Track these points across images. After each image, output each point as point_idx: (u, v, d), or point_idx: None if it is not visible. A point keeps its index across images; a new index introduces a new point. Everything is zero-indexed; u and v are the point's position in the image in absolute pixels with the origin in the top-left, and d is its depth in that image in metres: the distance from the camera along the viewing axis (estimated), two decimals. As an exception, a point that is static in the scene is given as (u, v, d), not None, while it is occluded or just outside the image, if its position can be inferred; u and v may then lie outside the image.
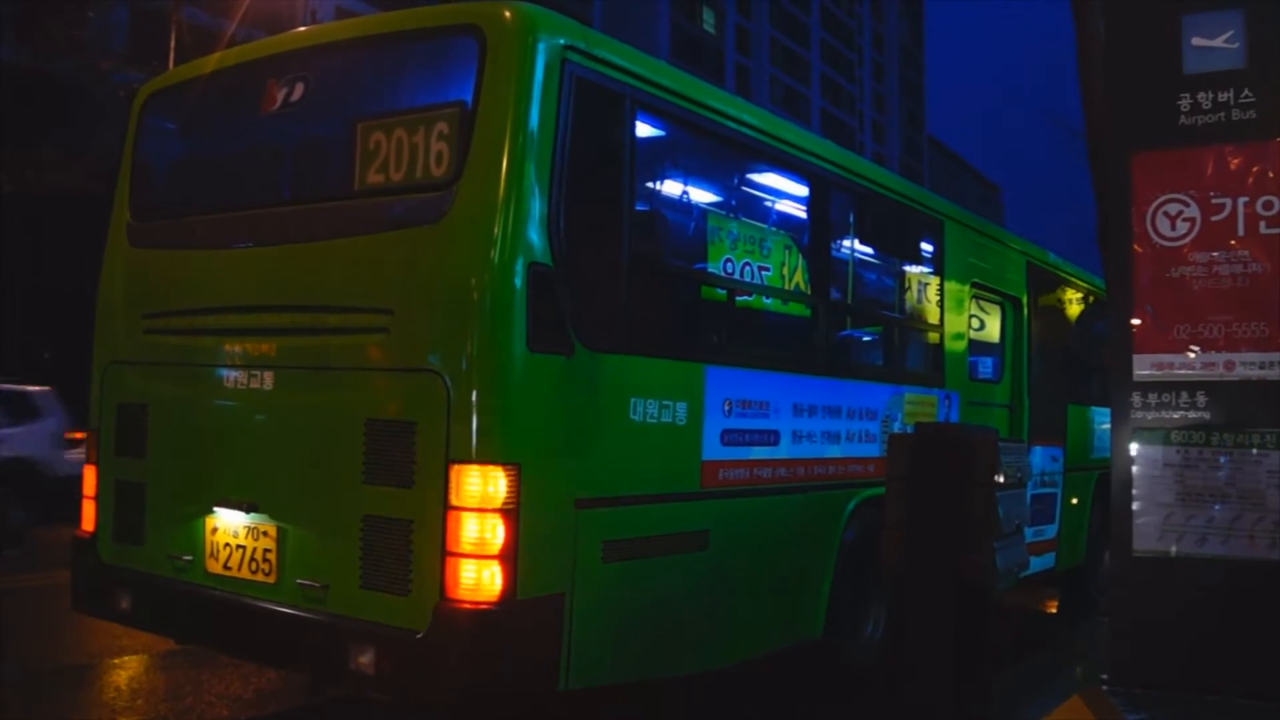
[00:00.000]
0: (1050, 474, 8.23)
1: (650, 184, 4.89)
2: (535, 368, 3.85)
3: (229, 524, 4.40)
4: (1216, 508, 4.66)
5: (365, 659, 3.85)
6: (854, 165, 6.15)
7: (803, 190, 5.80)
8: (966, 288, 7.17)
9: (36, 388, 12.47)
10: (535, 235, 3.85)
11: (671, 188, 5.04)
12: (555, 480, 3.91)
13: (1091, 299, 9.61)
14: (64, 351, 20.05)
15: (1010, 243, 8.18)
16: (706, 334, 5.13)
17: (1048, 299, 8.76)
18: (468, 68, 3.97)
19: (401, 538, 3.85)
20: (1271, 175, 4.65)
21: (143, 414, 4.84)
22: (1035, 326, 8.20)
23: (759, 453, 5.02)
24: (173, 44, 19.95)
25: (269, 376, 4.34)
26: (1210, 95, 4.75)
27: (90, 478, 5.03)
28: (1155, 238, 4.82)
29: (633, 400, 4.26)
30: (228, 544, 4.40)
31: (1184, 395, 4.73)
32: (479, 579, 3.68)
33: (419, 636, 3.74)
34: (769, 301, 5.67)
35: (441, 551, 3.72)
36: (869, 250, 6.55)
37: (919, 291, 6.75)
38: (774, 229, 5.68)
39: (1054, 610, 9.43)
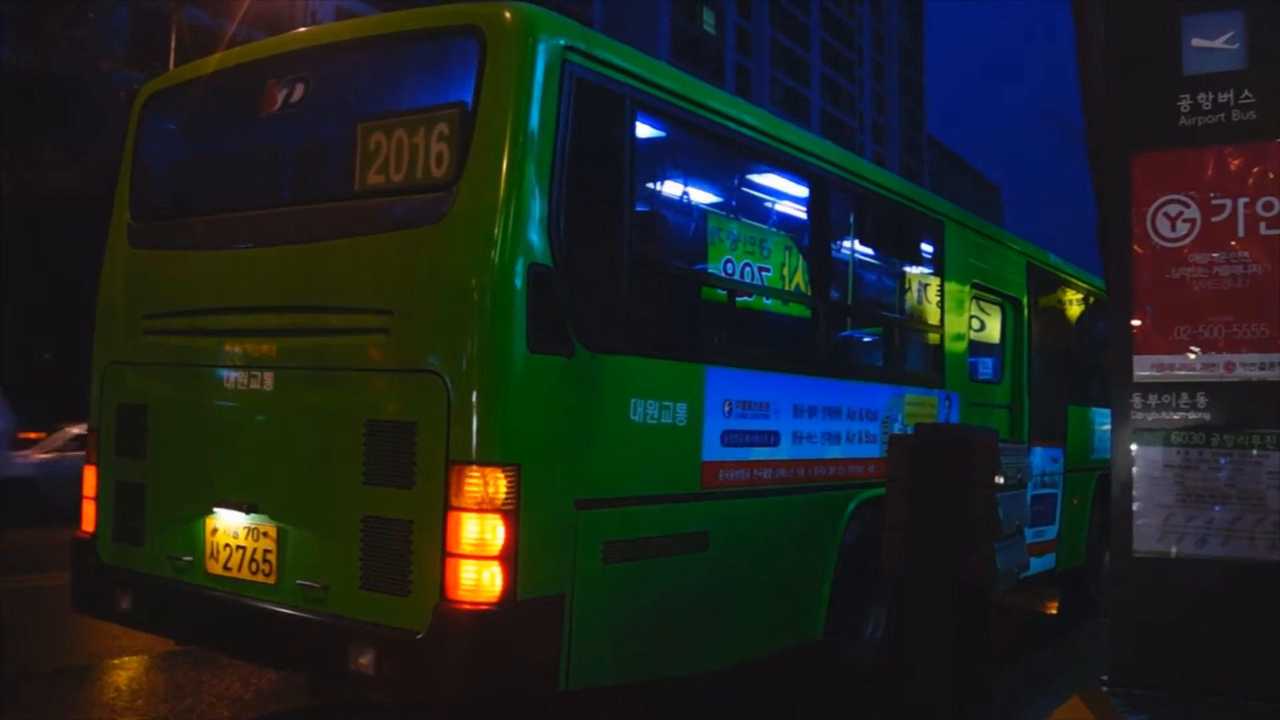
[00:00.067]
0: (1050, 475, 8.22)
1: (650, 184, 4.89)
2: (535, 368, 3.85)
3: (229, 525, 4.40)
4: (1217, 509, 4.66)
5: (365, 659, 3.85)
6: (854, 166, 6.15)
7: (803, 191, 5.80)
8: (967, 288, 7.17)
9: None
10: (535, 236, 3.85)
11: (671, 188, 5.04)
12: (555, 481, 3.91)
13: (1092, 300, 9.61)
14: (64, 352, 20.08)
15: (1010, 243, 8.18)
16: (707, 335, 5.13)
17: (1048, 300, 8.76)
18: (468, 68, 3.97)
19: (401, 538, 3.84)
20: (1272, 176, 4.65)
21: (143, 414, 4.84)
22: (1035, 327, 8.20)
23: (759, 453, 5.02)
24: (173, 44, 19.96)
25: (269, 377, 4.34)
26: (1210, 96, 4.74)
27: (90, 478, 5.03)
28: (1155, 238, 4.82)
29: (633, 401, 4.25)
30: (228, 545, 4.40)
31: (1184, 396, 4.73)
32: (479, 580, 3.68)
33: (419, 637, 3.74)
34: (769, 302, 5.67)
35: (441, 552, 3.72)
36: (869, 251, 6.55)
37: (919, 292, 6.75)
38: (774, 230, 5.68)
39: (1054, 611, 9.42)
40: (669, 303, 4.87)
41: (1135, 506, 4.78)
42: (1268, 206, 4.64)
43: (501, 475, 3.69)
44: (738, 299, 5.29)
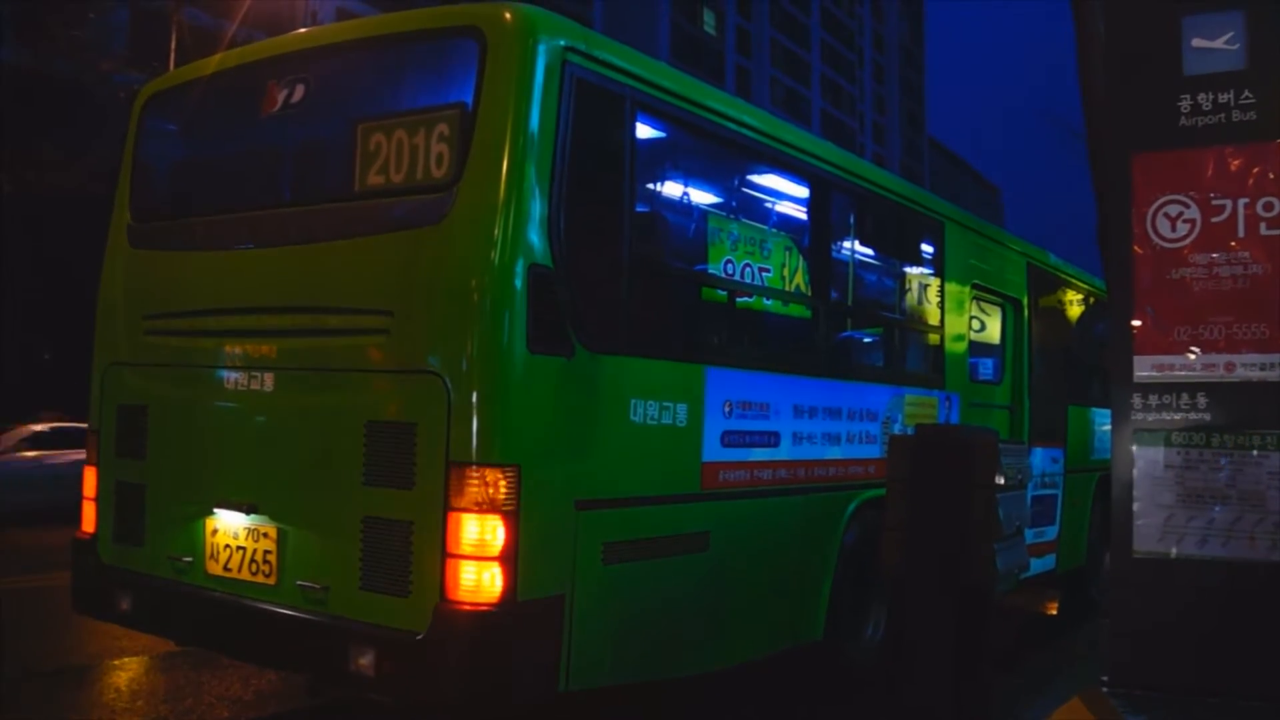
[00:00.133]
0: (1051, 475, 8.22)
1: (650, 185, 4.89)
2: (535, 369, 3.85)
3: (229, 525, 4.40)
4: (1217, 509, 4.65)
5: (365, 660, 3.85)
6: (854, 167, 6.15)
7: (803, 192, 5.80)
8: (967, 289, 7.17)
9: None
10: (535, 236, 3.85)
11: (672, 189, 5.04)
12: (555, 481, 3.91)
13: (1092, 300, 9.61)
14: (64, 352, 20.09)
15: (1010, 244, 8.18)
16: (707, 335, 5.13)
17: (1048, 300, 8.75)
18: (468, 69, 3.97)
19: (401, 539, 3.84)
20: (1272, 176, 4.64)
21: (143, 415, 4.84)
22: (1036, 328, 8.20)
23: (759, 454, 5.02)
24: (173, 45, 19.97)
25: (269, 378, 4.34)
26: (1211, 97, 4.74)
27: (90, 479, 5.03)
28: (1156, 239, 4.82)
29: (633, 401, 4.25)
30: (228, 545, 4.40)
31: (1184, 397, 4.73)
32: (479, 580, 3.68)
33: (419, 638, 3.74)
34: (769, 303, 5.67)
35: (441, 553, 3.72)
36: (869, 252, 6.55)
37: (919, 293, 6.75)
38: (774, 230, 5.68)
39: (1054, 612, 9.42)
40: (669, 303, 4.87)
41: (1135, 507, 4.78)
42: (1268, 207, 4.64)
43: (501, 476, 3.69)
44: (738, 299, 5.29)
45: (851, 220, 6.21)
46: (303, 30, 5.24)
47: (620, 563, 4.18)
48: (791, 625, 5.38)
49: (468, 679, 3.78)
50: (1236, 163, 4.70)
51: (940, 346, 6.79)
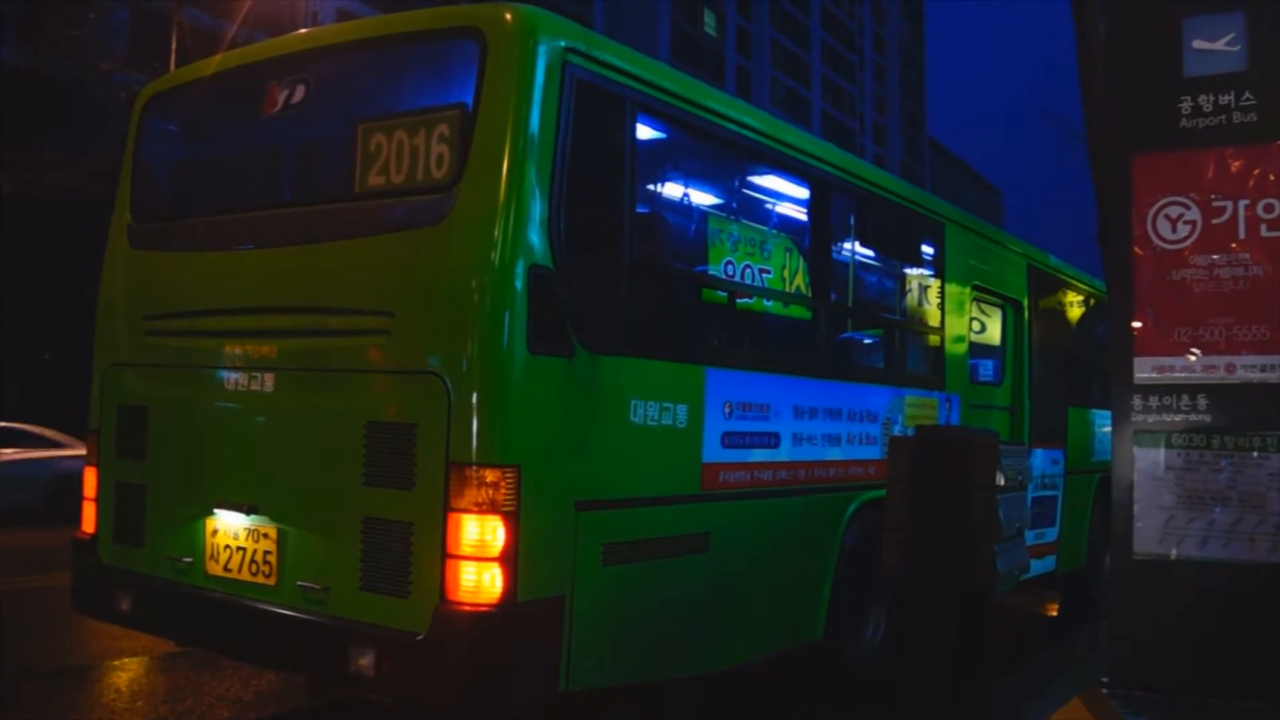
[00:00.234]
0: (1051, 477, 8.22)
1: (651, 186, 4.89)
2: (535, 370, 3.85)
3: (229, 526, 4.40)
4: (1217, 511, 4.65)
5: (365, 661, 3.85)
6: (854, 168, 6.15)
7: (803, 193, 5.80)
8: (967, 290, 7.17)
9: None
10: (536, 237, 3.85)
11: (672, 190, 5.04)
12: (555, 482, 3.91)
13: (1092, 301, 9.61)
14: (65, 353, 20.09)
15: (1011, 245, 8.18)
16: (707, 336, 5.13)
17: (1049, 301, 8.76)
18: (468, 70, 3.97)
19: (402, 540, 3.84)
20: (1272, 178, 4.64)
21: (143, 416, 4.84)
22: (1036, 329, 8.20)
23: (759, 455, 5.02)
24: (173, 46, 19.97)
25: (269, 378, 4.34)
26: (1211, 98, 4.74)
27: (90, 479, 5.03)
28: (1156, 240, 4.82)
29: (633, 402, 4.25)
30: (228, 546, 4.40)
31: (1185, 398, 4.73)
32: (479, 581, 3.68)
33: (419, 638, 3.74)
34: (769, 304, 5.67)
35: (441, 553, 3.72)
36: (870, 253, 6.55)
37: (920, 294, 6.75)
38: (775, 231, 5.68)
39: (1055, 613, 9.42)
40: (669, 304, 4.87)
41: (1136, 508, 4.78)
42: (1268, 208, 4.64)
43: (501, 476, 3.69)
44: (738, 300, 5.29)
45: (852, 221, 6.21)
46: (303, 31, 5.25)
47: (620, 563, 4.18)
48: (791, 626, 5.38)
49: (468, 679, 3.77)
50: (1237, 164, 4.70)
51: (940, 348, 6.79)
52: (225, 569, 4.40)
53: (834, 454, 5.59)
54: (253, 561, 4.30)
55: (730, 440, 4.79)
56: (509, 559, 3.69)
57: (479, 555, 3.68)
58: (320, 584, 4.08)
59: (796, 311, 5.82)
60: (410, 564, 3.82)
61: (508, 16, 3.97)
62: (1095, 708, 4.59)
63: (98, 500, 4.99)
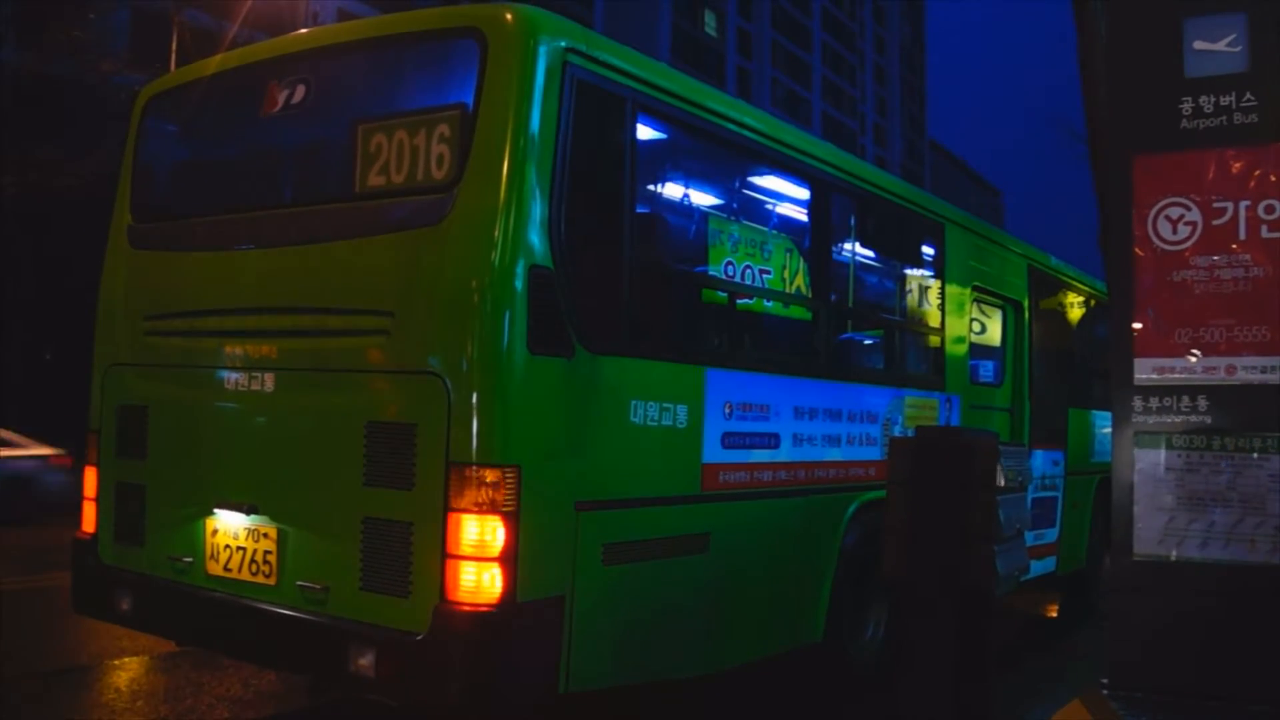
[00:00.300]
0: (1051, 478, 8.22)
1: (651, 186, 4.89)
2: (535, 370, 3.85)
3: (229, 526, 4.40)
4: (1217, 512, 4.65)
5: (365, 661, 3.85)
6: (855, 168, 6.15)
7: (804, 193, 5.80)
8: (967, 291, 7.16)
9: None
10: (536, 238, 3.85)
11: (672, 190, 5.04)
12: (555, 482, 3.91)
13: (1093, 302, 9.61)
14: (65, 353, 20.09)
15: (1011, 246, 8.18)
16: (707, 337, 5.13)
17: (1049, 302, 8.75)
18: (469, 70, 3.97)
19: (401, 540, 3.84)
20: (1273, 179, 4.64)
21: (143, 416, 4.84)
22: (1036, 330, 8.20)
23: (760, 455, 5.02)
24: (174, 46, 19.98)
25: (270, 378, 4.34)
26: (1212, 99, 4.74)
27: (91, 479, 5.04)
28: (1157, 241, 4.82)
29: (633, 403, 4.25)
30: (228, 546, 4.40)
31: (1185, 399, 4.72)
32: (479, 581, 3.68)
33: (419, 638, 3.74)
34: (770, 304, 5.67)
35: (441, 554, 3.72)
36: (870, 253, 6.56)
37: (920, 295, 6.75)
38: (775, 232, 5.68)
39: (1055, 614, 9.42)
40: (669, 304, 4.86)
41: (1136, 509, 4.77)
42: (1269, 209, 4.63)
43: (501, 477, 3.69)
44: (738, 301, 5.29)
45: (852, 222, 6.21)
46: (303, 31, 5.24)
47: (620, 564, 4.18)
48: (792, 626, 5.38)
49: (468, 679, 3.77)
50: (1238, 165, 4.70)
51: (941, 348, 6.79)
52: (225, 569, 4.40)
53: (834, 454, 5.58)
54: (253, 561, 4.30)
55: (730, 441, 4.79)
56: (509, 559, 3.69)
57: (479, 555, 3.68)
58: (320, 584, 4.08)
59: (797, 312, 5.82)
60: (410, 564, 3.82)
61: (508, 17, 3.97)
62: (1095, 708, 4.58)
63: (98, 500, 4.99)
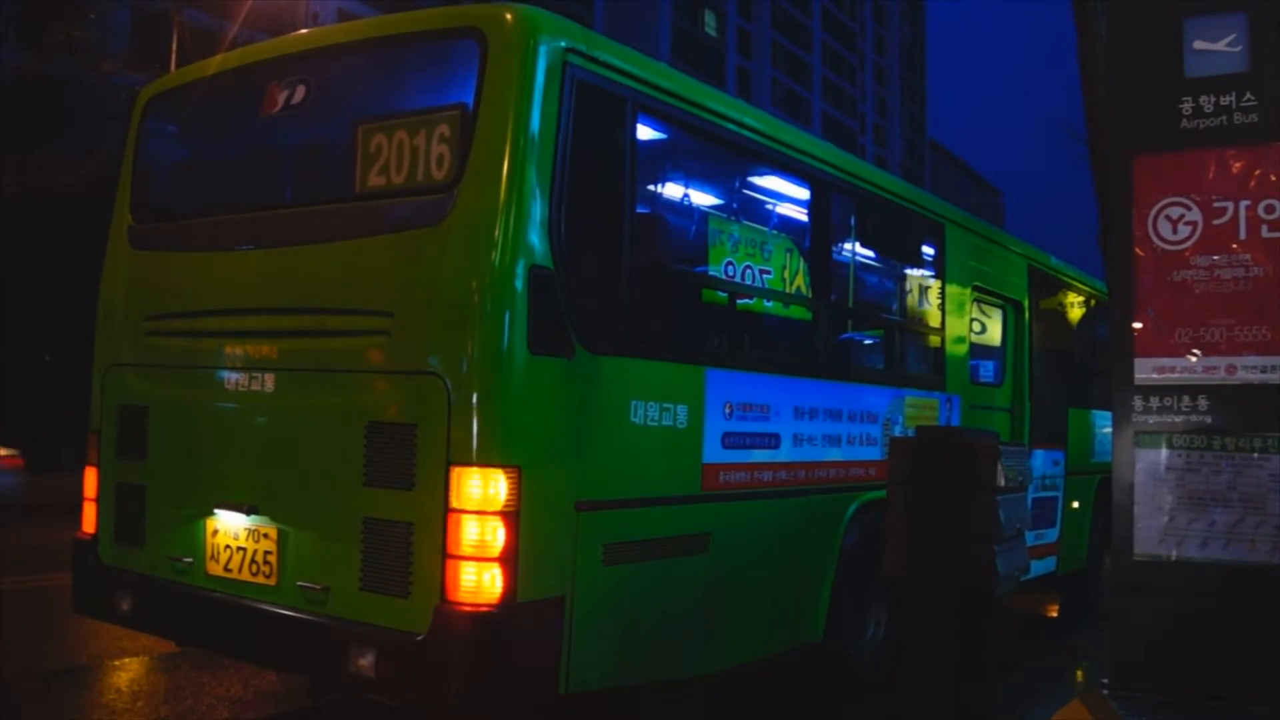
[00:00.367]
0: (1051, 478, 8.22)
1: (651, 187, 4.89)
2: (536, 370, 3.85)
3: (229, 526, 4.40)
4: (1218, 512, 4.65)
5: (365, 661, 3.85)
6: (855, 168, 6.15)
7: (804, 193, 5.80)
8: (968, 291, 7.16)
9: None
10: (536, 238, 3.85)
11: (672, 190, 5.04)
12: (556, 483, 3.91)
13: (1093, 302, 9.61)
14: (65, 353, 20.09)
15: (1011, 246, 8.18)
16: (707, 337, 5.13)
17: (1049, 302, 8.75)
18: (469, 70, 3.97)
19: (402, 540, 3.84)
20: (1273, 179, 4.64)
21: (143, 416, 4.84)
22: (1037, 330, 8.20)
23: (760, 456, 5.02)
24: (174, 46, 19.98)
25: (270, 379, 4.34)
26: (1212, 99, 4.74)
27: (91, 480, 5.03)
28: (1157, 241, 4.82)
29: (633, 403, 4.25)
30: (228, 546, 4.40)
31: (1185, 399, 4.72)
32: (479, 581, 3.68)
33: (419, 639, 3.74)
34: (770, 304, 5.67)
35: (442, 554, 3.72)
36: (870, 253, 6.56)
37: (920, 295, 6.75)
38: (775, 232, 5.68)
39: (1055, 614, 9.42)
40: (669, 305, 4.86)
41: (1136, 509, 4.77)
42: (1269, 209, 4.63)
43: (502, 477, 3.69)
44: (738, 301, 5.29)
45: (852, 222, 6.21)
46: (303, 31, 5.24)
47: (621, 564, 4.18)
48: (792, 627, 5.38)
49: (468, 680, 3.77)
50: (1238, 165, 4.70)
51: (941, 348, 6.79)
52: (225, 569, 4.40)
53: (834, 455, 5.58)
54: (253, 561, 4.30)
55: (730, 441, 4.79)
56: (509, 559, 3.69)
57: (479, 555, 3.68)
58: (320, 584, 4.08)
59: (797, 312, 5.82)
60: (410, 564, 3.82)
61: (508, 17, 3.97)
62: (1095, 708, 4.58)
63: (98, 501, 4.99)
